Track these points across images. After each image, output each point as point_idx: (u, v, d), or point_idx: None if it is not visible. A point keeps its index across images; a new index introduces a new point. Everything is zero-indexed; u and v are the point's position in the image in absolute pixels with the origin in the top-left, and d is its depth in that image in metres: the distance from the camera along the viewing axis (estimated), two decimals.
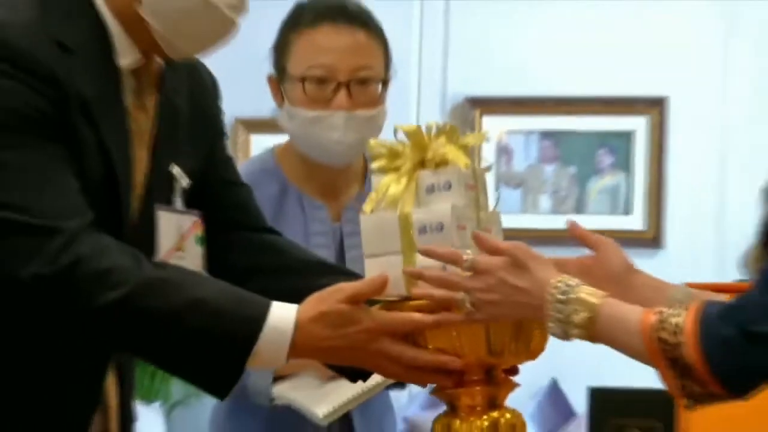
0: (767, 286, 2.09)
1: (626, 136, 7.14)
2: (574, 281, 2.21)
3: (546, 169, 7.27)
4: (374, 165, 2.50)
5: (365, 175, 3.55)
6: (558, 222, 6.80)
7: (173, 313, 2.27)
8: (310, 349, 2.35)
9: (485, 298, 2.25)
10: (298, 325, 2.27)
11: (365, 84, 3.37)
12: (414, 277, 2.34)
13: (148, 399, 6.46)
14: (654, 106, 7.06)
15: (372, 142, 2.56)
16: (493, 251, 2.29)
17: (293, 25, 3.41)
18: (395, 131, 2.43)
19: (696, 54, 7.06)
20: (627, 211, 7.17)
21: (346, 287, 2.34)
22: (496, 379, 2.35)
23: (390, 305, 2.35)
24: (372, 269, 2.42)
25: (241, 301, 2.32)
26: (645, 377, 2.74)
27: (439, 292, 2.28)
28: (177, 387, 6.50)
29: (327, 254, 3.40)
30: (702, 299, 2.25)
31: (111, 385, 2.53)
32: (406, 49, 6.30)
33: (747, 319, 2.02)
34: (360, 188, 3.54)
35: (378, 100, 3.39)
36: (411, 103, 6.97)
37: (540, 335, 2.36)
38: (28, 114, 2.27)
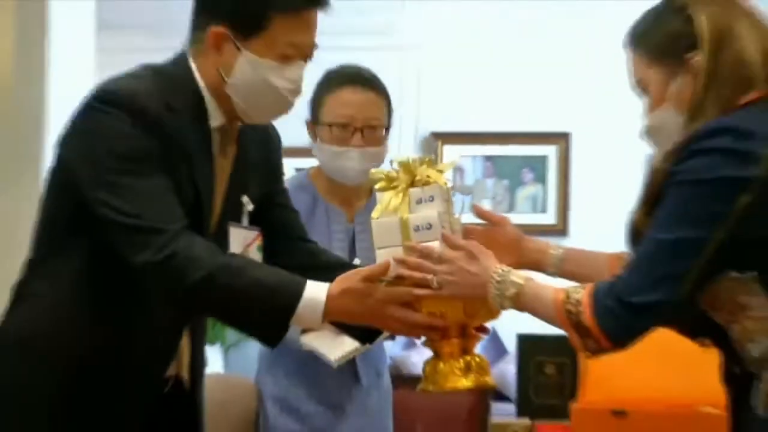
0: (635, 266, 2.22)
1: (542, 159, 7.90)
2: (507, 269, 2.41)
3: (488, 182, 8.00)
4: (376, 186, 2.64)
5: (371, 191, 3.52)
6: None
7: (240, 289, 2.43)
8: (338, 315, 2.52)
9: (448, 279, 2.46)
10: (329, 298, 2.45)
11: (374, 129, 3.56)
12: (401, 264, 2.51)
13: (211, 342, 6.46)
14: (561, 138, 7.85)
15: (372, 171, 2.72)
16: (455, 247, 2.49)
17: (324, 86, 3.61)
18: (391, 162, 2.63)
19: (592, 97, 7.53)
20: (543, 210, 7.92)
21: (362, 270, 2.51)
22: (468, 334, 2.55)
23: (393, 282, 2.50)
24: (381, 257, 2.57)
25: (285, 280, 2.47)
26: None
27: (417, 274, 2.47)
28: (231, 333, 6.73)
29: (343, 246, 3.65)
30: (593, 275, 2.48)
31: (185, 339, 2.68)
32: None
33: (622, 293, 2.18)
34: (368, 200, 3.68)
35: (382, 141, 3.60)
36: (393, 136, 5.62)
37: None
38: (144, 153, 2.43)
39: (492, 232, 2.68)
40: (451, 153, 7.88)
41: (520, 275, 2.37)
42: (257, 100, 2.56)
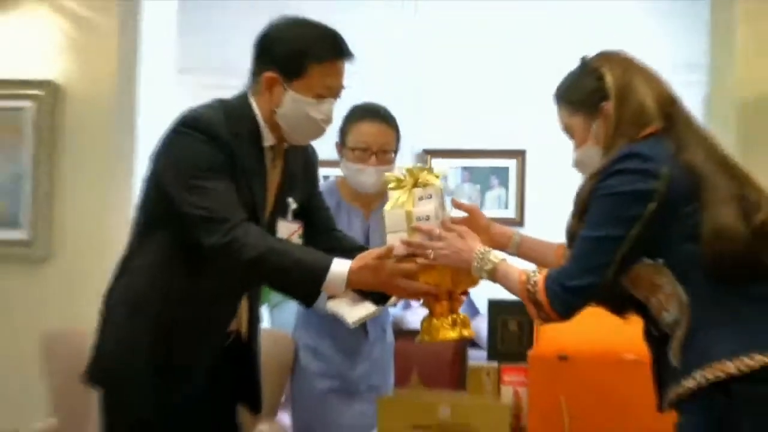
0: (572, 259, 2.23)
1: (505, 170, 7.92)
2: (487, 249, 2.42)
3: (465, 186, 8.01)
4: (388, 186, 2.63)
5: (383, 196, 3.28)
6: None
7: (283, 264, 2.44)
8: (357, 285, 2.49)
9: (441, 253, 2.47)
10: (350, 271, 2.45)
11: (386, 153, 3.58)
12: (407, 244, 2.53)
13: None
14: (519, 154, 7.87)
15: (386, 174, 2.71)
16: (449, 230, 2.50)
17: (350, 118, 3.60)
18: (399, 168, 2.64)
19: (542, 124, 6.21)
20: (506, 207, 7.86)
21: (373, 251, 2.51)
22: (454, 297, 2.56)
23: (400, 260, 2.50)
24: (391, 240, 2.58)
25: (318, 257, 2.48)
26: None
27: (419, 251, 2.50)
28: (274, 295, 6.10)
29: (359, 237, 3.55)
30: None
31: (244, 302, 2.68)
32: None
33: (563, 279, 2.20)
34: (380, 203, 3.45)
35: (392, 161, 3.62)
36: None
37: (477, 276, 2.51)
38: (215, 165, 2.45)
39: (468, 220, 2.66)
40: (438, 164, 7.55)
41: (496, 255, 2.41)
42: (299, 128, 2.59)
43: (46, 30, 4.91)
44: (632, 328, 2.46)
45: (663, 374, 2.25)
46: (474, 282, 2.55)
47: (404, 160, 7.32)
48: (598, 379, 2.80)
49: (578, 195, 2.29)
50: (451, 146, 7.94)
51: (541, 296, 2.23)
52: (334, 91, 2.59)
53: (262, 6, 5.11)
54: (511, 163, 7.93)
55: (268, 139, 2.60)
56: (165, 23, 5.17)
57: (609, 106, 2.30)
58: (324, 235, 2.83)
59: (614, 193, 2.18)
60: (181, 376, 2.55)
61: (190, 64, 6.38)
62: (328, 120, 2.60)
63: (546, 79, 6.88)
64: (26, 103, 4.85)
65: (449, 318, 2.55)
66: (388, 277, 2.48)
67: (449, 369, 4.05)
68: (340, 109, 3.29)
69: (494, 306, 3.40)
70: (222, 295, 2.58)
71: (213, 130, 2.48)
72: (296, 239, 2.69)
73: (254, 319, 2.73)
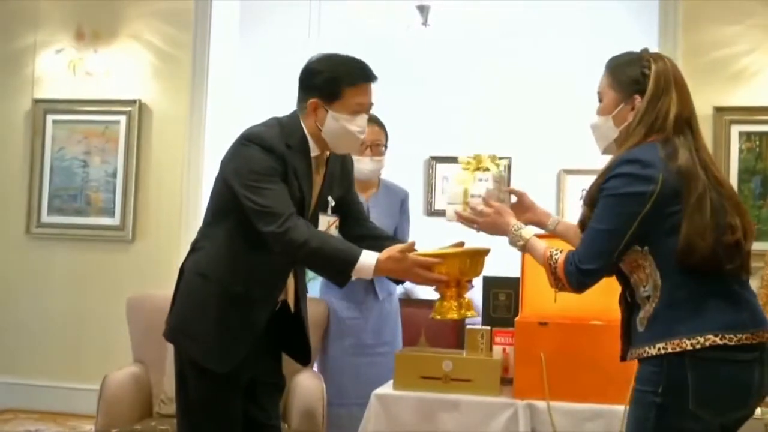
0: (585, 245, 2.15)
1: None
2: (522, 225, 2.34)
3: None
4: (460, 165, 2.60)
5: (378, 182, 3.72)
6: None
7: (323, 251, 2.40)
8: (383, 272, 2.45)
9: (484, 227, 2.44)
10: (378, 261, 2.42)
11: (378, 146, 3.59)
12: (458, 216, 2.51)
13: None
14: (504, 159, 7.68)
15: (459, 157, 2.64)
16: (489, 206, 2.44)
17: None
18: (460, 159, 2.62)
19: (525, 135, 7.21)
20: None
21: (399, 246, 2.46)
22: (462, 284, 2.49)
23: (423, 254, 2.43)
24: (449, 209, 2.54)
25: (350, 248, 2.45)
26: (509, 270, 3.19)
27: (466, 222, 2.49)
28: (309, 272, 6.58)
29: None
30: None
31: (291, 277, 2.62)
32: (401, 130, 5.96)
33: (579, 261, 2.13)
34: (377, 189, 3.72)
35: (383, 153, 3.63)
36: (407, 157, 6.91)
37: (481, 268, 2.51)
38: (271, 171, 2.44)
39: (517, 202, 2.62)
40: (442, 170, 7.74)
41: (528, 232, 2.33)
42: (341, 140, 2.55)
43: (136, 60, 5.03)
44: (599, 300, 2.42)
45: (630, 334, 2.20)
46: (477, 273, 2.51)
47: (415, 165, 7.59)
48: (572, 341, 2.78)
49: (588, 190, 2.20)
50: (452, 153, 7.50)
51: (560, 272, 2.17)
52: (365, 108, 2.55)
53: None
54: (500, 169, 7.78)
55: (314, 150, 2.56)
56: (229, 55, 5.20)
57: (639, 101, 2.18)
58: (357, 225, 2.77)
59: (617, 194, 2.10)
60: (240, 333, 2.50)
61: (248, 88, 6.23)
62: (362, 131, 2.55)
63: (528, 100, 7.14)
64: (120, 118, 4.97)
65: (457, 301, 2.49)
66: (409, 267, 2.42)
67: (451, 331, 3.95)
68: None
69: (488, 281, 3.34)
70: (273, 272, 2.54)
71: (268, 143, 2.47)
72: (333, 230, 2.63)
73: (301, 291, 2.67)
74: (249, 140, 2.48)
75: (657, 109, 2.15)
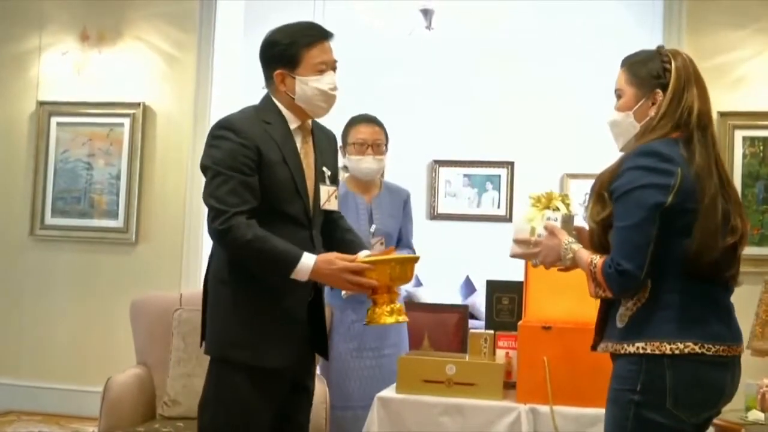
0: (618, 247, 2.06)
1: (498, 177, 7.75)
2: (573, 240, 2.22)
3: (465, 190, 7.84)
4: (529, 202, 2.42)
5: (381, 183, 3.74)
6: (473, 209, 7.73)
7: (263, 251, 2.36)
8: (318, 276, 2.38)
9: (543, 256, 2.26)
10: (315, 263, 2.36)
11: (379, 146, 3.60)
12: (517, 255, 2.33)
13: None
14: (509, 164, 7.69)
15: (530, 194, 2.45)
16: (550, 231, 2.26)
17: (350, 123, 3.65)
18: (531, 195, 2.42)
19: (526, 140, 7.35)
20: (498, 207, 7.70)
21: (335, 252, 2.44)
22: (392, 291, 2.45)
23: (368, 260, 2.41)
24: (513, 247, 2.35)
25: (292, 250, 2.37)
26: (512, 274, 3.21)
27: (526, 258, 2.35)
28: None
29: (365, 217, 3.62)
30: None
31: None
32: (405, 134, 6.12)
33: (615, 263, 2.03)
34: (379, 190, 3.72)
35: (384, 153, 3.63)
36: (411, 161, 7.17)
37: (410, 274, 2.46)
38: (241, 159, 2.39)
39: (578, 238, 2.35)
40: (445, 173, 7.91)
41: (576, 245, 2.20)
42: (315, 101, 2.51)
43: (140, 63, 5.01)
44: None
45: (606, 327, 2.17)
46: (407, 279, 2.47)
47: (419, 167, 7.63)
48: (573, 345, 2.75)
49: (599, 181, 2.14)
50: (455, 157, 7.87)
51: (599, 276, 2.07)
52: (330, 65, 2.51)
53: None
54: (503, 172, 7.84)
55: (294, 121, 2.54)
56: (233, 58, 5.17)
57: (661, 96, 2.15)
58: (337, 228, 2.70)
59: (636, 187, 2.04)
60: (280, 326, 2.44)
61: (254, 88, 6.32)
62: (334, 87, 2.52)
63: (531, 104, 7.21)
64: (124, 120, 4.95)
65: (388, 307, 2.44)
66: (339, 271, 2.38)
67: (454, 335, 3.87)
68: (343, 118, 3.52)
69: (491, 284, 3.30)
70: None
71: (237, 125, 2.44)
72: (333, 200, 2.61)
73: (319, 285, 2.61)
74: (219, 126, 2.46)
75: (682, 102, 2.13)
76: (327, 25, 2.59)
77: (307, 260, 2.36)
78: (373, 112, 3.70)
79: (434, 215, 7.83)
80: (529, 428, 2.76)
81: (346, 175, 3.69)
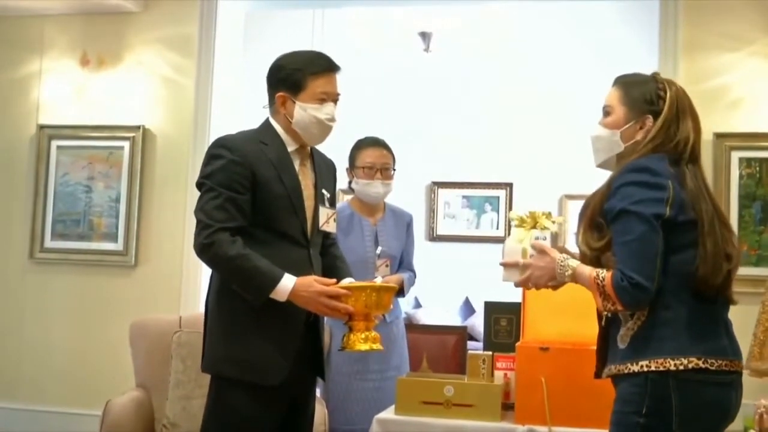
0: (620, 260, 2.02)
1: (497, 198, 7.86)
2: (565, 256, 2.16)
3: (464, 211, 7.93)
4: (513, 223, 2.43)
5: (385, 207, 3.76)
6: (472, 230, 7.84)
7: (246, 269, 2.36)
8: (295, 298, 2.37)
9: (534, 278, 2.20)
10: (294, 285, 2.37)
11: (387, 170, 3.63)
12: (511, 265, 2.27)
13: None
14: (507, 186, 7.79)
15: (511, 214, 2.48)
16: (539, 250, 2.21)
17: (357, 146, 3.67)
18: (519, 212, 2.45)
19: (524, 163, 7.40)
20: (497, 228, 7.83)
21: (319, 278, 2.43)
22: (369, 318, 2.45)
23: (347, 287, 2.42)
24: (507, 269, 2.31)
25: (273, 270, 2.37)
26: (510, 295, 3.13)
27: (521, 285, 2.28)
28: None
29: (371, 239, 3.65)
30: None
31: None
32: (404, 156, 5.77)
33: (628, 276, 1.99)
34: (383, 213, 3.76)
35: (391, 177, 3.66)
36: (411, 183, 7.07)
37: (387, 303, 2.47)
38: (233, 177, 2.41)
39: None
40: (443, 195, 7.96)
41: (573, 261, 2.16)
42: (311, 129, 2.54)
43: (140, 87, 5.02)
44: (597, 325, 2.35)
45: (607, 350, 2.16)
46: (386, 309, 2.48)
47: (418, 189, 7.69)
48: (571, 366, 2.76)
49: (589, 204, 2.12)
50: (454, 179, 7.93)
51: (609, 289, 2.02)
52: (331, 96, 2.55)
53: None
54: (502, 193, 7.90)
55: (291, 144, 2.56)
56: (232, 82, 5.20)
57: (651, 122, 2.15)
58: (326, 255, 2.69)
59: (633, 202, 2.02)
60: (278, 343, 2.43)
61: (253, 112, 6.35)
62: (331, 119, 2.55)
63: (529, 125, 7.30)
64: (123, 143, 4.97)
65: (363, 334, 2.45)
66: (316, 295, 2.38)
67: (452, 356, 3.91)
68: (349, 141, 3.59)
69: (489, 306, 3.30)
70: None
71: (234, 145, 2.47)
72: (332, 222, 2.63)
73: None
74: (215, 144, 2.50)
75: (668, 133, 2.13)
76: (325, 51, 2.62)
77: (287, 282, 2.36)
78: (371, 134, 3.74)
79: (433, 237, 7.85)
80: None
81: (351, 196, 3.74)
